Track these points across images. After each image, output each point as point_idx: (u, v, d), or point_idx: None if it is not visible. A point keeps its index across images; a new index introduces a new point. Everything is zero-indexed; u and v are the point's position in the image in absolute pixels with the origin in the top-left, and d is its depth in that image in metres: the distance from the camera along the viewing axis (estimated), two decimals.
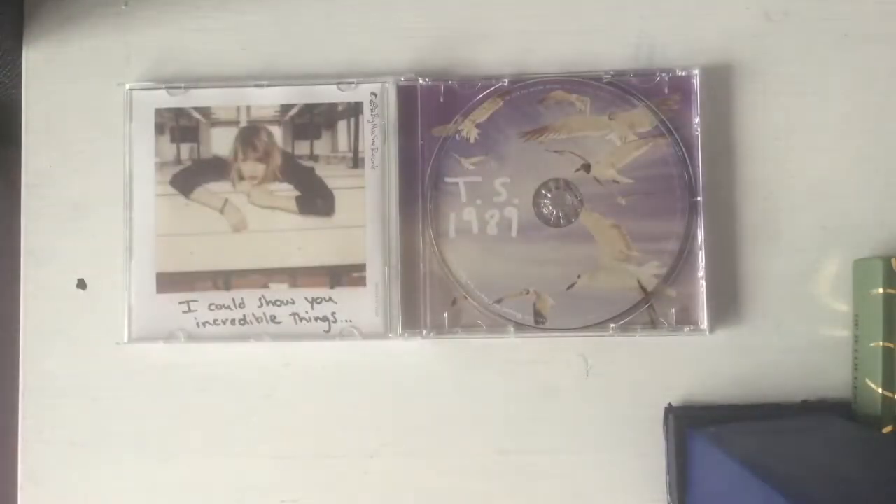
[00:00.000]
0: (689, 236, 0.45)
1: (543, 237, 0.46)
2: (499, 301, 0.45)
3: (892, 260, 0.42)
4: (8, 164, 0.54)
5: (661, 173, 0.46)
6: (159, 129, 0.47)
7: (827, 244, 0.46)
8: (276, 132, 0.47)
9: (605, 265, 0.45)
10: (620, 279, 0.45)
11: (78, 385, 0.47)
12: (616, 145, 0.46)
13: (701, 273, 0.45)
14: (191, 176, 0.47)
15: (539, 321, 0.45)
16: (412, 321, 0.46)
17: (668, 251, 0.45)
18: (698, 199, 0.45)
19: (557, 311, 0.45)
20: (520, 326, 0.45)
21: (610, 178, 0.46)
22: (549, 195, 0.46)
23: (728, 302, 0.46)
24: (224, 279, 0.46)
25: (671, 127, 0.46)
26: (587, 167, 0.46)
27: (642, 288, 0.45)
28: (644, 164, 0.46)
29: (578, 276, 0.45)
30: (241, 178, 0.47)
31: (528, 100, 0.46)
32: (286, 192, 0.47)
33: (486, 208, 0.46)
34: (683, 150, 0.46)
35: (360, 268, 0.46)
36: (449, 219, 0.46)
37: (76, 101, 0.48)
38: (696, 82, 0.46)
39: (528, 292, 0.45)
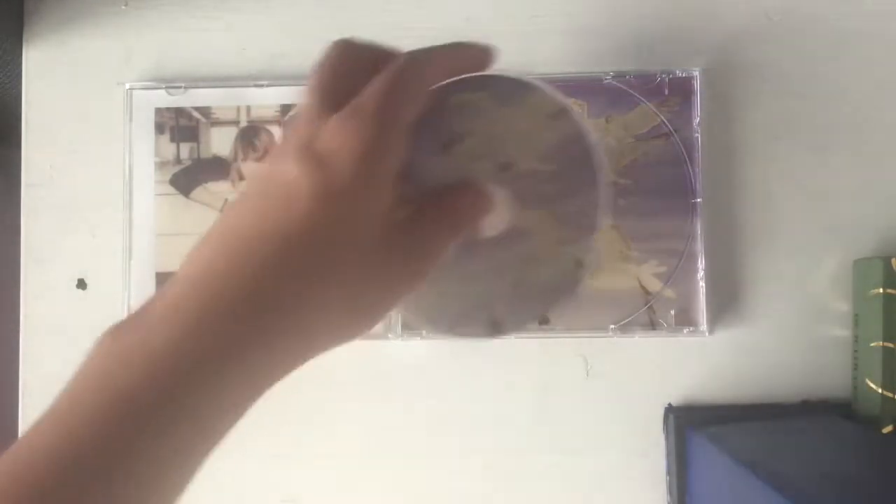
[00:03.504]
0: (688, 236, 0.45)
1: None
2: None
3: (892, 260, 0.42)
4: (8, 164, 0.54)
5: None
6: (159, 128, 0.47)
7: (827, 244, 0.46)
8: (277, 132, 0.47)
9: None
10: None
11: None
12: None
13: (700, 274, 0.45)
14: (191, 176, 0.47)
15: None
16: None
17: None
18: (698, 200, 0.45)
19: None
20: None
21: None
22: None
23: (728, 302, 0.46)
24: None
25: (671, 128, 0.46)
26: None
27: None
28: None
29: None
30: (241, 178, 0.47)
31: None
32: None
33: None
34: (683, 150, 0.45)
35: None
36: None
37: (76, 100, 0.48)
38: (697, 83, 0.46)
39: None
